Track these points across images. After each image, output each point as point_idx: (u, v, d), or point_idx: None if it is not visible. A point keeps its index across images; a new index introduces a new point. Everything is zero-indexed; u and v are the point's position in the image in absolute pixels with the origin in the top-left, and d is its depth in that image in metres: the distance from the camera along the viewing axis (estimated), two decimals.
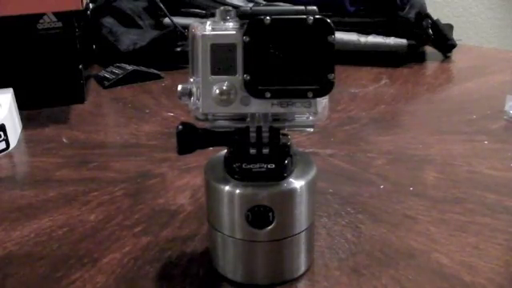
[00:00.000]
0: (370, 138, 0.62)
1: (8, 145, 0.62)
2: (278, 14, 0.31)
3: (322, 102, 0.34)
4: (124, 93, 0.82)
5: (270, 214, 0.34)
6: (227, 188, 0.35)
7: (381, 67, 0.91)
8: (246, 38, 0.31)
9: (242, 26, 0.32)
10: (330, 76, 0.32)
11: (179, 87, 0.34)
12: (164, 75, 0.88)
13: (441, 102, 0.78)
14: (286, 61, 0.31)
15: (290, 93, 0.32)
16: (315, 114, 0.34)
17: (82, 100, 0.78)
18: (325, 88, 0.32)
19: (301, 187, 0.35)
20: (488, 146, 0.60)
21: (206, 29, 0.32)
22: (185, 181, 0.48)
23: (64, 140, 0.64)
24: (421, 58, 0.97)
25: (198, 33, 0.32)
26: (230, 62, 0.32)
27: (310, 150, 0.58)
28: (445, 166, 0.55)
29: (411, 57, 0.94)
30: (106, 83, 0.84)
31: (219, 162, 0.37)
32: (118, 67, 0.88)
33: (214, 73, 0.32)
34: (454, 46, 0.96)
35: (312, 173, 0.36)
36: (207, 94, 0.33)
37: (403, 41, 0.92)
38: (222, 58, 0.32)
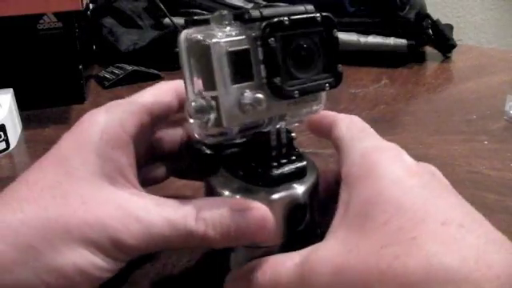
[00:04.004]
0: None
1: (8, 145, 0.62)
2: (288, 15, 0.31)
3: (323, 93, 0.34)
4: (124, 93, 0.81)
5: (306, 211, 0.34)
6: (268, 198, 0.33)
7: (381, 67, 0.91)
8: (272, 41, 0.30)
9: (249, 29, 0.31)
10: (339, 67, 0.33)
11: (192, 105, 0.31)
12: (164, 75, 0.88)
13: (441, 102, 0.78)
14: (305, 58, 0.32)
15: (313, 88, 0.32)
16: (319, 105, 0.35)
17: (82, 100, 0.78)
18: (337, 79, 0.33)
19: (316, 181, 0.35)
20: (488, 146, 0.60)
21: (217, 36, 0.30)
22: (184, 181, 0.48)
23: None
24: (421, 59, 0.97)
25: (207, 41, 0.30)
26: (246, 68, 0.31)
27: (310, 150, 0.58)
28: (445, 166, 0.54)
29: (411, 57, 0.94)
30: (106, 83, 0.84)
31: (223, 176, 0.35)
32: (118, 67, 0.89)
33: (234, 82, 0.30)
34: (453, 46, 0.96)
35: (315, 170, 0.36)
36: (230, 105, 0.30)
37: (403, 41, 0.92)
38: (238, 64, 0.30)
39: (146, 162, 0.38)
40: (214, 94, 0.31)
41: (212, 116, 0.31)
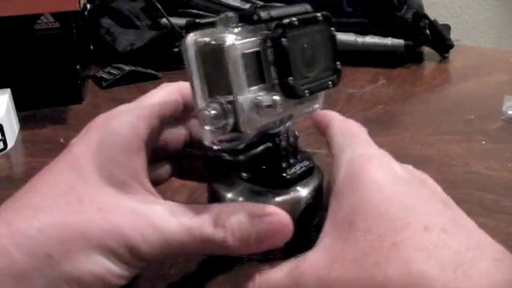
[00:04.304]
0: None
1: (5, 145, 0.62)
2: (293, 15, 0.31)
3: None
4: (121, 93, 0.82)
5: (315, 212, 0.34)
6: (275, 200, 0.33)
7: (378, 67, 0.91)
8: (284, 41, 0.30)
9: (257, 30, 0.31)
10: (338, 64, 0.34)
11: (207, 111, 0.30)
12: (161, 76, 0.88)
13: (438, 103, 0.78)
14: (311, 57, 0.32)
15: (320, 87, 0.33)
16: (318, 102, 0.35)
17: (79, 100, 0.78)
18: (338, 76, 0.33)
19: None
20: (486, 147, 0.60)
21: (229, 38, 0.29)
22: (182, 181, 0.48)
23: (61, 140, 0.64)
24: (418, 59, 0.97)
25: (221, 44, 0.29)
26: (257, 70, 0.30)
27: (309, 150, 0.57)
28: (442, 166, 0.55)
29: (409, 57, 0.94)
30: (104, 84, 0.84)
31: (232, 183, 0.35)
32: (116, 68, 0.88)
33: (249, 85, 0.30)
34: (451, 46, 0.96)
35: (319, 169, 0.36)
36: (248, 109, 0.30)
37: (400, 41, 0.92)
38: (251, 67, 0.30)
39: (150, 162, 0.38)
40: (229, 98, 0.30)
41: (230, 121, 0.30)
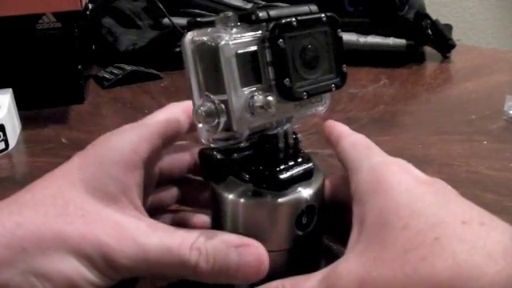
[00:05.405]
0: (370, 138, 0.62)
1: (7, 145, 0.62)
2: (294, 16, 0.31)
3: (327, 93, 0.34)
4: (123, 93, 0.82)
5: (314, 214, 0.34)
6: (276, 201, 0.33)
7: (380, 67, 0.91)
8: (281, 42, 0.30)
9: (256, 30, 0.31)
10: (344, 67, 0.33)
11: (201, 109, 0.30)
12: (163, 75, 0.88)
13: (440, 102, 0.78)
14: (312, 59, 0.32)
15: (320, 89, 0.32)
16: (323, 105, 0.35)
17: (81, 100, 0.78)
18: (343, 79, 0.33)
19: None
20: (487, 146, 0.60)
21: (224, 38, 0.29)
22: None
23: (63, 140, 0.64)
24: (420, 59, 0.97)
25: (216, 44, 0.29)
26: (254, 70, 0.30)
27: (309, 150, 0.58)
28: (444, 166, 0.55)
29: (410, 57, 0.94)
30: (106, 83, 0.84)
31: (229, 180, 0.34)
32: (117, 67, 0.88)
33: (243, 85, 0.30)
34: (453, 46, 0.96)
35: (321, 171, 0.36)
36: (240, 109, 0.30)
37: (402, 41, 0.92)
38: (246, 67, 0.30)
39: (156, 186, 0.39)
40: (223, 97, 0.30)
41: (222, 120, 0.30)
